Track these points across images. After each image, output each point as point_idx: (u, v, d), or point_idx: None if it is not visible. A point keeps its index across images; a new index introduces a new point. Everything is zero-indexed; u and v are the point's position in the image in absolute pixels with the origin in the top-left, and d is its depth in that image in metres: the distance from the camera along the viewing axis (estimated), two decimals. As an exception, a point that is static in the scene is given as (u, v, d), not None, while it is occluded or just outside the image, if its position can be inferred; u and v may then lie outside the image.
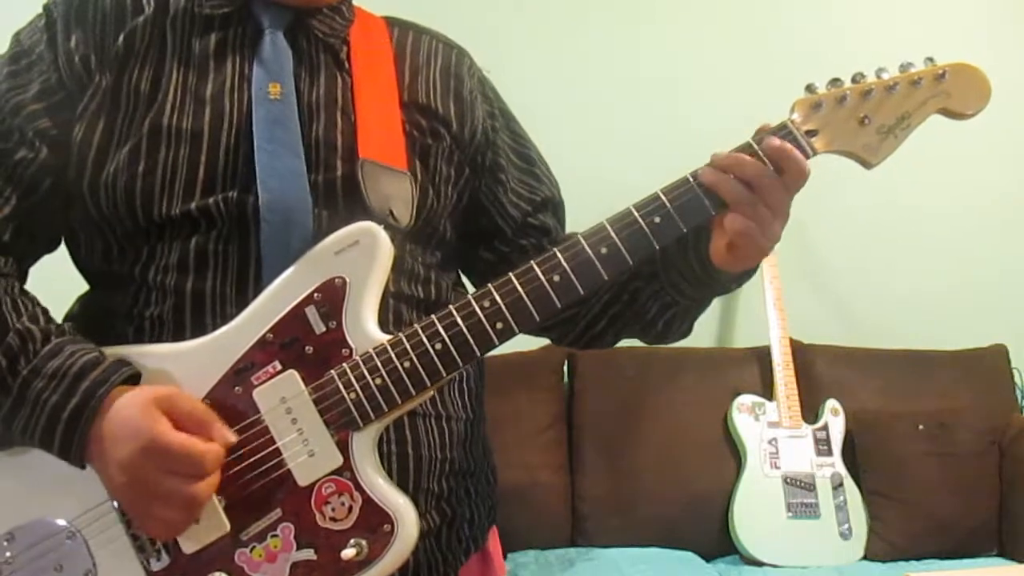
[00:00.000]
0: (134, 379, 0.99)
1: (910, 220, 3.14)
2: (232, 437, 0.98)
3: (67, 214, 1.08)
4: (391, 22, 1.21)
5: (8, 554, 1.00)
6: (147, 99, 1.06)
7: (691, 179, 1.04)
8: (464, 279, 1.26)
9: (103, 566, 1.00)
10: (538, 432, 2.73)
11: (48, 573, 1.00)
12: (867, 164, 1.09)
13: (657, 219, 1.03)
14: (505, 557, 1.29)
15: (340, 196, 1.06)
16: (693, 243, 1.10)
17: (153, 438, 0.93)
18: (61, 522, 1.00)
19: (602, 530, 2.70)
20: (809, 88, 1.08)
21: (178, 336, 1.03)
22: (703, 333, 3.04)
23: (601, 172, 2.87)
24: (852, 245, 3.16)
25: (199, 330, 1.02)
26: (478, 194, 1.20)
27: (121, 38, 1.08)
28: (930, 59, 1.10)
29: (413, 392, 1.00)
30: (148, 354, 1.01)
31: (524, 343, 1.47)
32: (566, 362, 2.85)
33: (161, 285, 1.04)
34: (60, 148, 1.06)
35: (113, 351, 1.01)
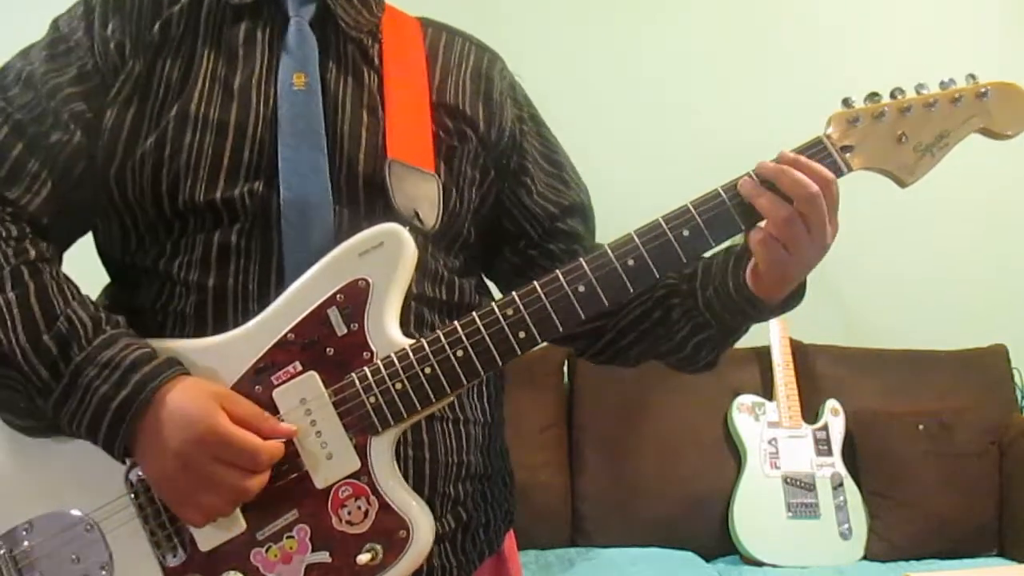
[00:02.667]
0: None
1: (911, 220, 3.14)
2: (282, 442, 0.97)
3: (98, 199, 1.07)
4: (425, 23, 1.21)
5: (26, 544, 1.01)
6: (177, 88, 1.06)
7: (721, 192, 1.01)
8: (490, 284, 1.24)
9: (119, 559, 1.00)
10: (538, 432, 2.73)
11: (65, 564, 1.00)
12: (902, 183, 1.04)
13: (686, 232, 1.01)
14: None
15: (362, 194, 1.06)
16: (733, 262, 1.06)
17: (212, 428, 0.94)
18: (80, 514, 1.00)
19: (602, 530, 2.70)
20: (845, 102, 1.04)
21: (200, 332, 1.02)
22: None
23: (612, 175, 2.86)
24: (852, 245, 3.15)
25: (221, 326, 1.02)
26: (502, 197, 1.19)
27: (157, 26, 1.08)
28: (972, 76, 1.05)
29: (433, 399, 0.99)
30: (170, 349, 1.00)
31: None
32: (566, 362, 2.85)
33: (184, 280, 1.04)
34: (94, 132, 1.05)
35: None
